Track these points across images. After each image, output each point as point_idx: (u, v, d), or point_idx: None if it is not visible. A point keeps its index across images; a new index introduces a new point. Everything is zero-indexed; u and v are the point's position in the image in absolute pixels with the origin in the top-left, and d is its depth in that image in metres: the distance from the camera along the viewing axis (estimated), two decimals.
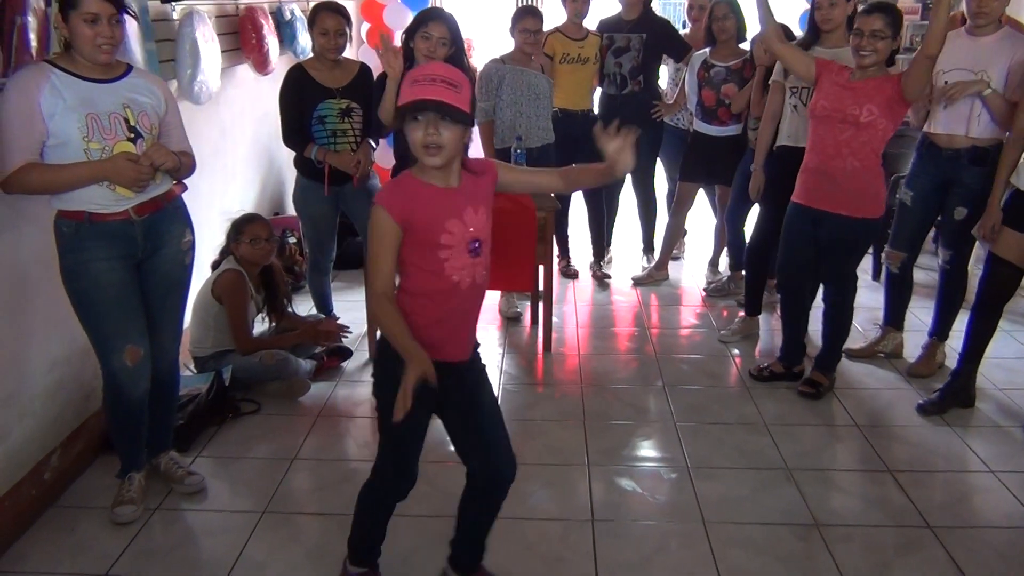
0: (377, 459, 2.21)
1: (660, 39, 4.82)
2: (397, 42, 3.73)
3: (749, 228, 4.58)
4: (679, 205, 4.99)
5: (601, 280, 5.09)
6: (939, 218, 3.68)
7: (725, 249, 5.01)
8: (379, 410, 2.13)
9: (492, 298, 4.61)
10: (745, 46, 4.49)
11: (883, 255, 3.95)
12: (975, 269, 3.86)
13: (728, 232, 4.82)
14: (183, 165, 2.63)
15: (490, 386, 2.23)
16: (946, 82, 3.44)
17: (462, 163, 2.04)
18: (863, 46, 3.18)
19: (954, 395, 3.46)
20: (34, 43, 2.57)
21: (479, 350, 2.20)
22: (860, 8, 3.34)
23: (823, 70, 3.36)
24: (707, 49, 4.59)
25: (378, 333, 2.14)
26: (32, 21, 2.54)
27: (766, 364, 3.82)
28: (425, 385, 1.90)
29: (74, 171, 2.40)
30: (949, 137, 3.49)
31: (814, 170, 3.39)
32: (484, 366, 2.22)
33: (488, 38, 6.53)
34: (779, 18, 4.12)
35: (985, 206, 3.34)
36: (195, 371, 3.56)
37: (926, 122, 3.58)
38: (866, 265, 5.12)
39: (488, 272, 2.10)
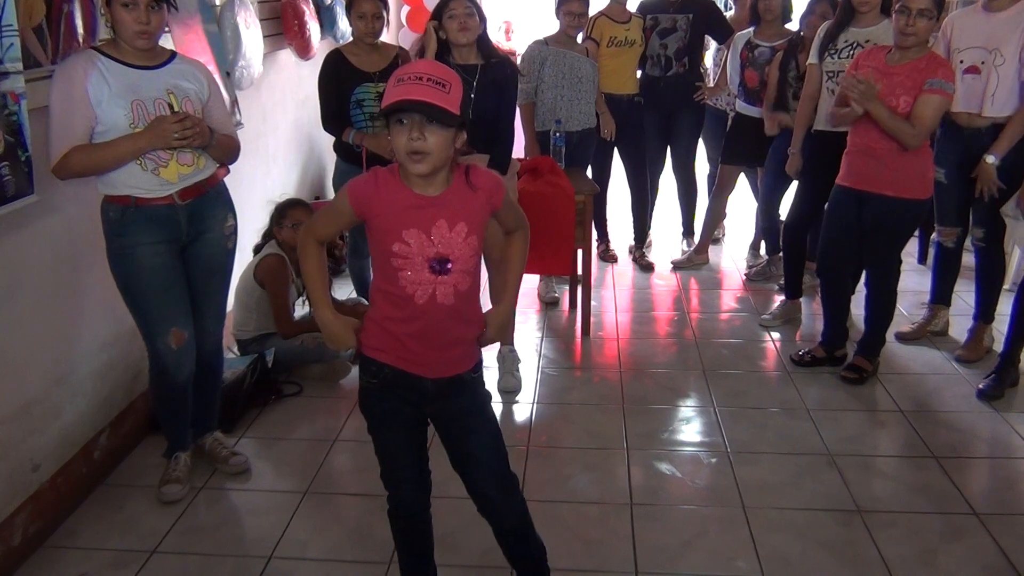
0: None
1: (705, 20, 4.76)
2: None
3: (783, 213, 4.53)
4: (720, 188, 4.94)
5: (643, 265, 5.06)
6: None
7: None
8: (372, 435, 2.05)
9: (531, 282, 4.61)
10: (790, 26, 4.42)
11: (935, 234, 3.89)
12: (1007, 247, 3.81)
13: (762, 217, 4.77)
14: (223, 147, 2.65)
15: (489, 419, 2.05)
16: (961, 61, 3.41)
17: (466, 174, 1.87)
18: (908, 26, 3.11)
19: (1007, 375, 3.40)
20: (80, 30, 2.62)
21: (477, 375, 2.03)
22: None
23: (859, 64, 3.33)
24: (751, 29, 4.52)
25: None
26: (78, 8, 2.59)
27: (807, 349, 3.78)
28: (396, 393, 1.93)
29: (115, 146, 2.42)
30: (968, 116, 3.45)
31: (859, 151, 3.33)
32: (484, 396, 2.07)
33: (529, 20, 6.50)
34: None
35: (1012, 181, 3.33)
36: (238, 354, 3.61)
37: None
38: (911, 248, 5.04)
39: (466, 297, 1.91)
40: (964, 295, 4.12)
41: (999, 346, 3.78)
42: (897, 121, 3.13)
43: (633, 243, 5.21)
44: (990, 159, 3.37)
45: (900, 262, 3.51)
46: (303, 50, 4.54)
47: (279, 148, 4.55)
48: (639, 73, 4.86)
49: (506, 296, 2.12)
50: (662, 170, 5.20)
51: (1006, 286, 3.89)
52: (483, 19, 3.32)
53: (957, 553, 2.49)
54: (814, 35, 3.99)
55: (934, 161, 3.64)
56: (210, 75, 2.71)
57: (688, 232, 5.33)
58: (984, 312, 3.75)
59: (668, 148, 5.07)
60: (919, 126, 3.13)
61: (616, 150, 4.87)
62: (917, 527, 2.61)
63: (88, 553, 2.52)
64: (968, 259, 3.86)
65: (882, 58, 3.25)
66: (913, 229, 3.46)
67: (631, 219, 5.18)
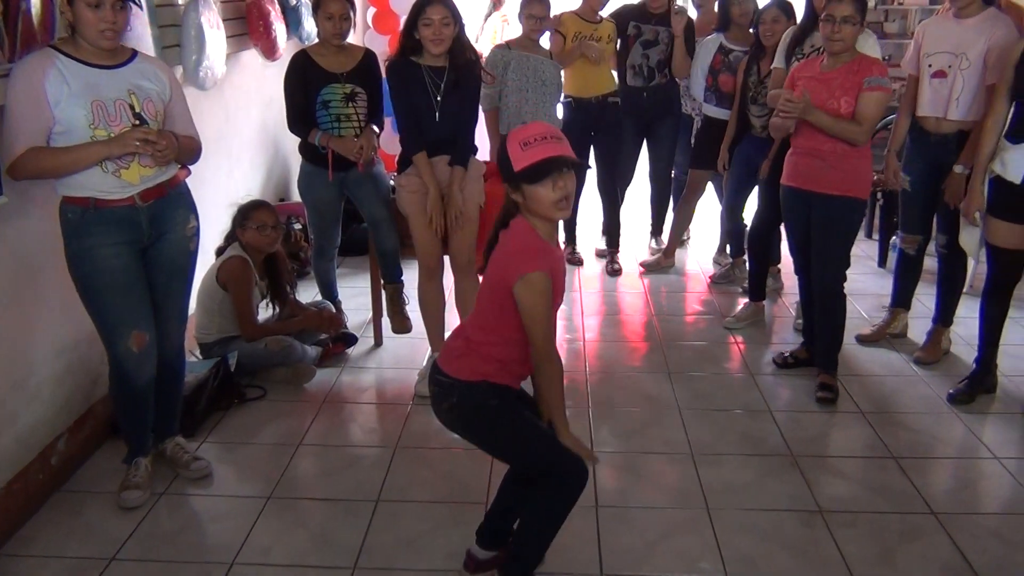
0: (554, 468, 2.14)
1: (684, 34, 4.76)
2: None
3: (747, 216, 4.57)
4: (690, 193, 4.95)
5: (611, 271, 5.06)
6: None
7: None
8: (515, 439, 2.17)
9: None
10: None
11: (897, 240, 3.94)
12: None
13: (726, 220, 4.81)
14: (184, 148, 2.62)
15: None
16: (930, 65, 3.48)
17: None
18: (835, 33, 3.19)
19: (980, 382, 3.46)
20: (37, 28, 2.57)
21: None
22: None
23: (794, 77, 3.42)
24: (718, 34, 4.54)
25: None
26: (36, 6, 2.54)
27: (789, 351, 3.80)
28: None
29: (75, 152, 2.39)
30: (936, 121, 3.52)
31: (804, 152, 3.39)
32: None
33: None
34: None
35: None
36: (200, 357, 3.57)
37: (915, 105, 3.60)
38: (872, 252, 5.11)
39: None
40: (923, 298, 4.18)
41: (956, 348, 3.85)
42: (841, 123, 3.22)
43: (605, 246, 5.21)
44: (958, 169, 3.43)
45: (848, 264, 3.51)
46: (269, 51, 4.50)
47: (243, 149, 4.51)
48: (615, 79, 4.82)
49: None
50: (632, 179, 5.20)
51: (965, 289, 3.95)
52: (459, 22, 3.29)
53: (916, 552, 2.53)
54: (771, 40, 4.04)
55: (903, 169, 3.71)
56: (173, 75, 2.68)
57: (657, 231, 5.36)
58: (944, 316, 3.80)
59: (640, 156, 5.08)
60: (865, 123, 3.22)
61: (592, 150, 4.86)
62: (877, 527, 2.64)
63: (45, 561, 2.47)
64: (929, 263, 3.92)
65: (816, 67, 3.34)
66: (856, 227, 3.50)
67: (600, 222, 5.19)
